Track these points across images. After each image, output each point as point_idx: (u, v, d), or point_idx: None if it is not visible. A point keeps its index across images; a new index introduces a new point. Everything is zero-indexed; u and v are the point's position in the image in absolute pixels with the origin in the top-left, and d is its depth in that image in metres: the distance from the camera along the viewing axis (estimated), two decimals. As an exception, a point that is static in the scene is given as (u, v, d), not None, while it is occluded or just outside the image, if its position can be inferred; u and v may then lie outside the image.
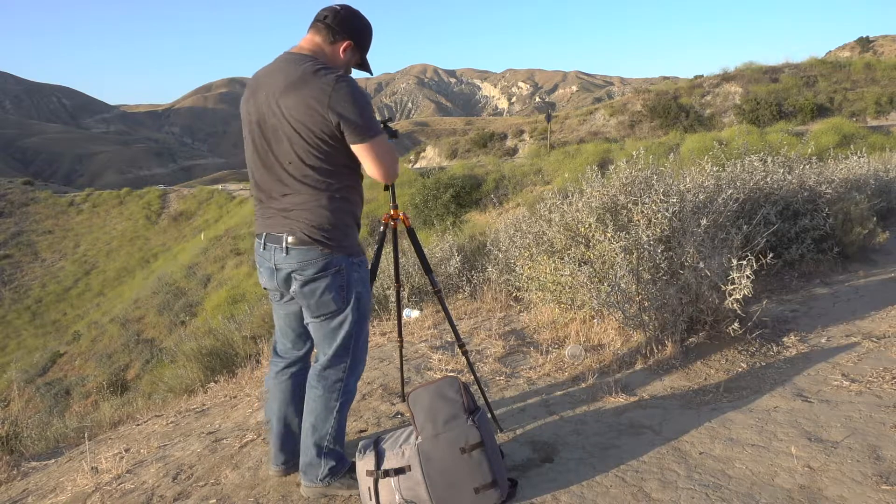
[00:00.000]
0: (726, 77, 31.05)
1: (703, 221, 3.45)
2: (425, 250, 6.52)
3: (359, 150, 1.98)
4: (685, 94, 30.80)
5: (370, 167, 2.02)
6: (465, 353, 2.68)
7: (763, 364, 3.21)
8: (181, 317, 25.33)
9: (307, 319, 2.16)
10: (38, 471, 3.17)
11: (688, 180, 4.33)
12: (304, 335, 2.29)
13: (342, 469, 2.18)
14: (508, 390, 3.06)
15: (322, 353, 2.16)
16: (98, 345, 27.31)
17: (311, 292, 2.05)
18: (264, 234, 2.10)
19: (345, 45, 2.08)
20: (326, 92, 1.90)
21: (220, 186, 49.53)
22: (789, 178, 5.06)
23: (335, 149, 1.98)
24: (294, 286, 2.07)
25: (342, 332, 2.11)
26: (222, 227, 36.89)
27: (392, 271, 3.21)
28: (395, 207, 2.52)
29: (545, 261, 3.78)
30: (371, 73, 2.25)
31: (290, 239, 2.01)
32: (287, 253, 2.02)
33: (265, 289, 2.25)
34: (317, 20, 2.07)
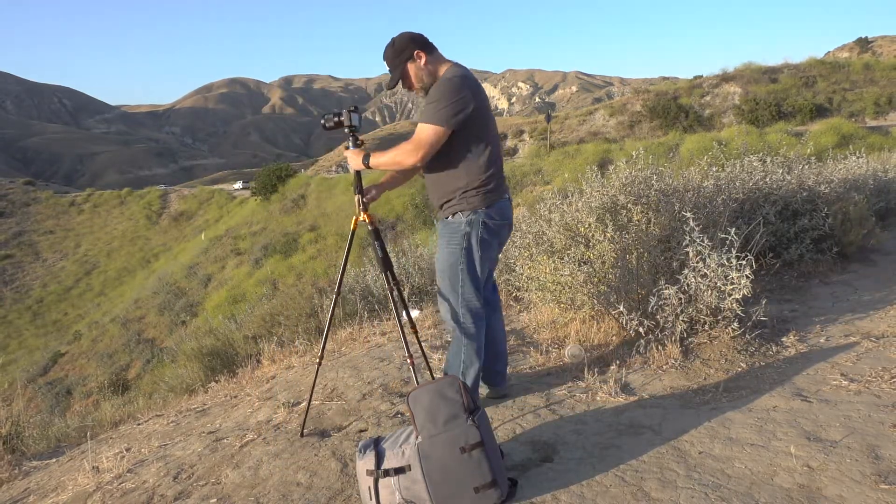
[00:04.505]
0: (726, 77, 31.06)
1: (703, 221, 3.46)
2: (426, 250, 6.55)
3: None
4: (685, 95, 30.81)
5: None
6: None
7: (762, 364, 3.21)
8: (182, 317, 25.37)
9: (497, 256, 2.81)
10: (39, 470, 3.18)
11: (688, 180, 4.34)
12: None
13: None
14: (508, 390, 3.07)
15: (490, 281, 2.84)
16: (99, 344, 27.35)
17: None
18: (507, 195, 2.74)
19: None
20: None
21: (220, 187, 49.54)
22: (788, 178, 5.05)
23: None
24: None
25: None
26: (223, 227, 36.92)
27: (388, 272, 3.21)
28: (365, 210, 2.68)
29: (545, 261, 3.78)
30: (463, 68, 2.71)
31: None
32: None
33: (501, 245, 2.76)
34: (408, 57, 2.58)
